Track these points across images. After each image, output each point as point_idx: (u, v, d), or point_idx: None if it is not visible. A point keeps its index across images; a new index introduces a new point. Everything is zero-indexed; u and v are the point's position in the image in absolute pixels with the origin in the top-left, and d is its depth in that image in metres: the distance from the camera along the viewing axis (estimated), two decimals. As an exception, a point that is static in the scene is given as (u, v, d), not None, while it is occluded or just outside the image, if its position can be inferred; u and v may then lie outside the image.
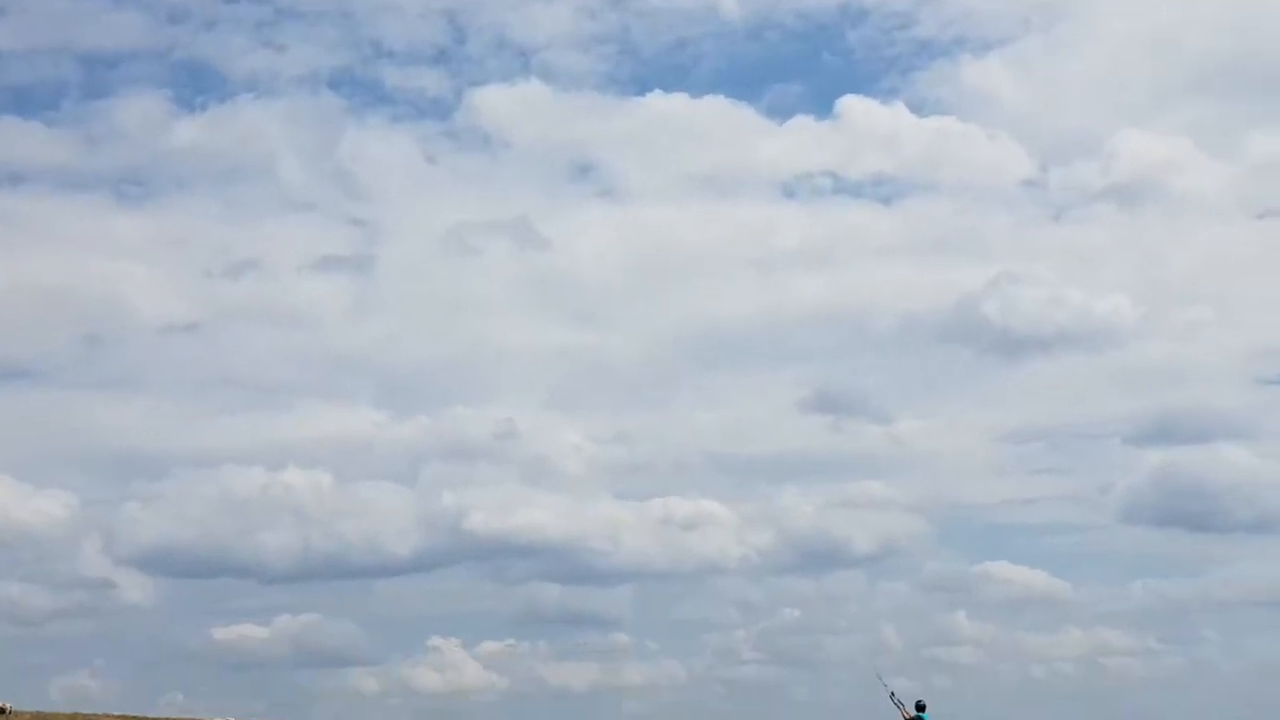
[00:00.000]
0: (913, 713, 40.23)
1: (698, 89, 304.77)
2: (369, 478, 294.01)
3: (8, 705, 58.56)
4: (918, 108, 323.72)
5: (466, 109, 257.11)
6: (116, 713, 54.81)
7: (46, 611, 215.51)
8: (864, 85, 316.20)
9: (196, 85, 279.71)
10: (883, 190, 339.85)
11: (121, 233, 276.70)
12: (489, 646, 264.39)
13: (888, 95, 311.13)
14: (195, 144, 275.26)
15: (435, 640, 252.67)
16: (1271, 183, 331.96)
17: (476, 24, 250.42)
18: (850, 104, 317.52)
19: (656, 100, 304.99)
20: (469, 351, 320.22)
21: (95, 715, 51.51)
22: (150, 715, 56.98)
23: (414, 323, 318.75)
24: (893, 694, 40.64)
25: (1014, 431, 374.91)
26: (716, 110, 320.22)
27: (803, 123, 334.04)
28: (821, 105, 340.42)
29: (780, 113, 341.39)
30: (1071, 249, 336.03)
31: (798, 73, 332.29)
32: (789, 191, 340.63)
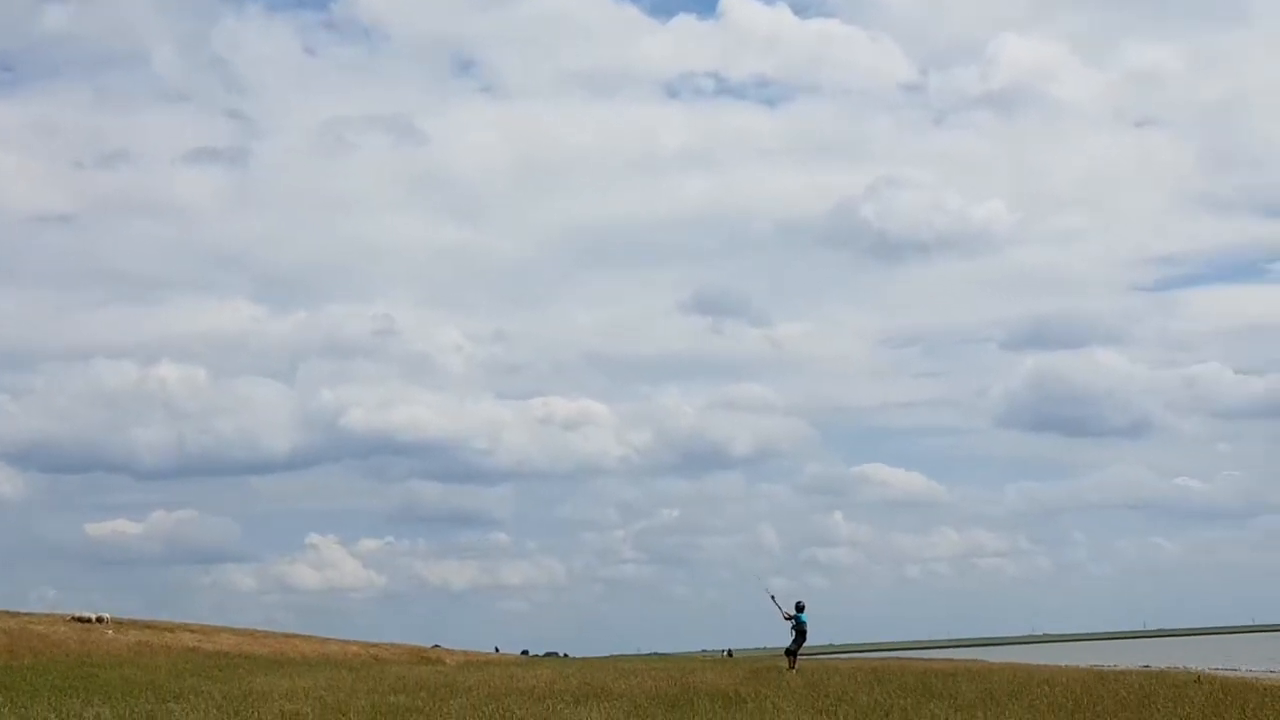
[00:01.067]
0: (791, 612, 41.44)
1: None
2: (246, 374, 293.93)
3: (107, 616, 58.28)
4: (801, 9, 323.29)
5: (346, 0, 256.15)
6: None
7: None
8: None
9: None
10: (766, 92, 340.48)
11: None
12: (367, 544, 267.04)
13: None
14: (66, 30, 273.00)
15: (313, 538, 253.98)
16: (1149, 91, 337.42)
17: None
18: (733, 3, 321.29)
19: None
20: (347, 248, 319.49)
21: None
22: (21, 611, 56.44)
23: (292, 218, 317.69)
24: (772, 596, 41.87)
25: (892, 335, 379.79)
26: (599, 7, 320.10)
27: (685, 21, 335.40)
28: (704, 4, 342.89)
29: (663, 10, 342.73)
30: (950, 154, 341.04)
31: None
32: (672, 92, 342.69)
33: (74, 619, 56.14)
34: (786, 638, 42.03)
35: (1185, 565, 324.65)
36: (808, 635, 42.11)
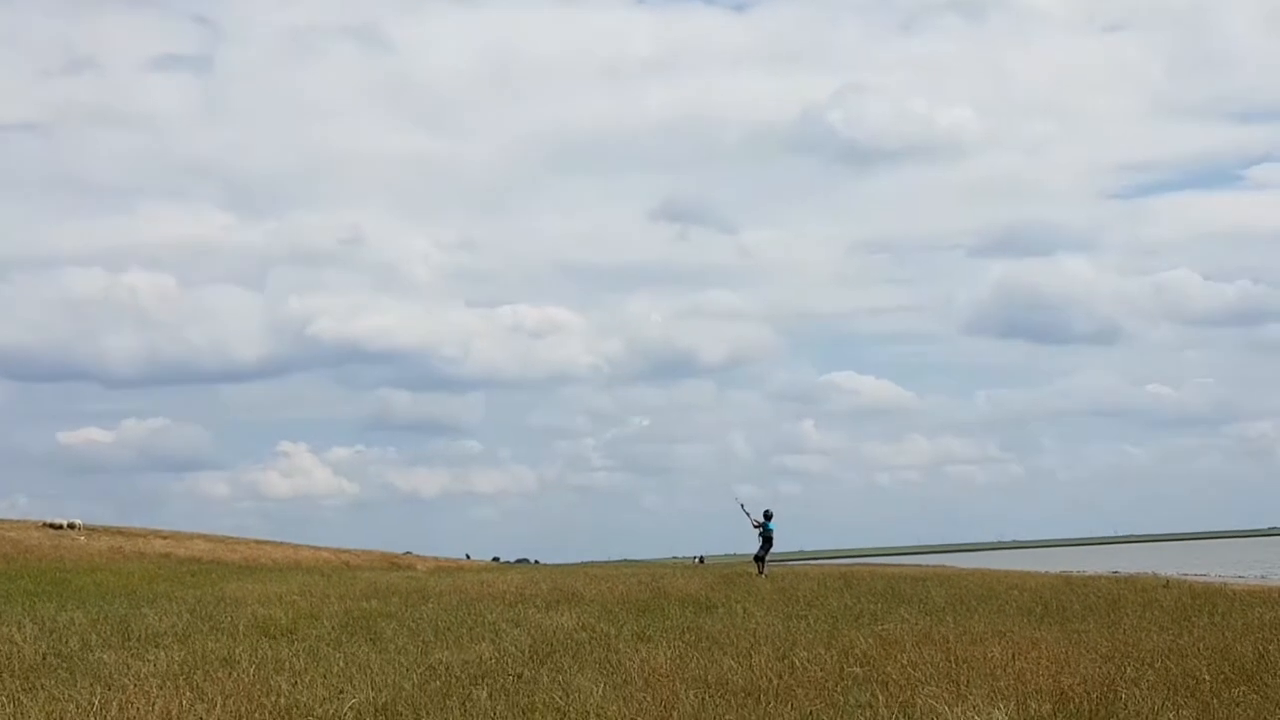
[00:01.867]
0: (760, 520, 41.97)
1: None
2: (215, 282, 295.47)
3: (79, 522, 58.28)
4: None
5: None
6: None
7: None
8: None
9: None
10: None
11: None
12: (338, 452, 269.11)
13: None
14: None
15: (284, 445, 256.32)
16: None
17: None
18: None
19: None
20: (316, 156, 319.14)
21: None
22: (-3, 516, 56.69)
23: (260, 126, 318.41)
24: (742, 505, 42.29)
25: (860, 242, 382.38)
26: None
27: None
28: None
29: None
30: (918, 60, 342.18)
31: None
32: None
33: (46, 525, 56.25)
34: (756, 545, 42.72)
35: (1155, 472, 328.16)
36: (774, 543, 42.74)
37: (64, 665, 16.11)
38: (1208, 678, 13.95)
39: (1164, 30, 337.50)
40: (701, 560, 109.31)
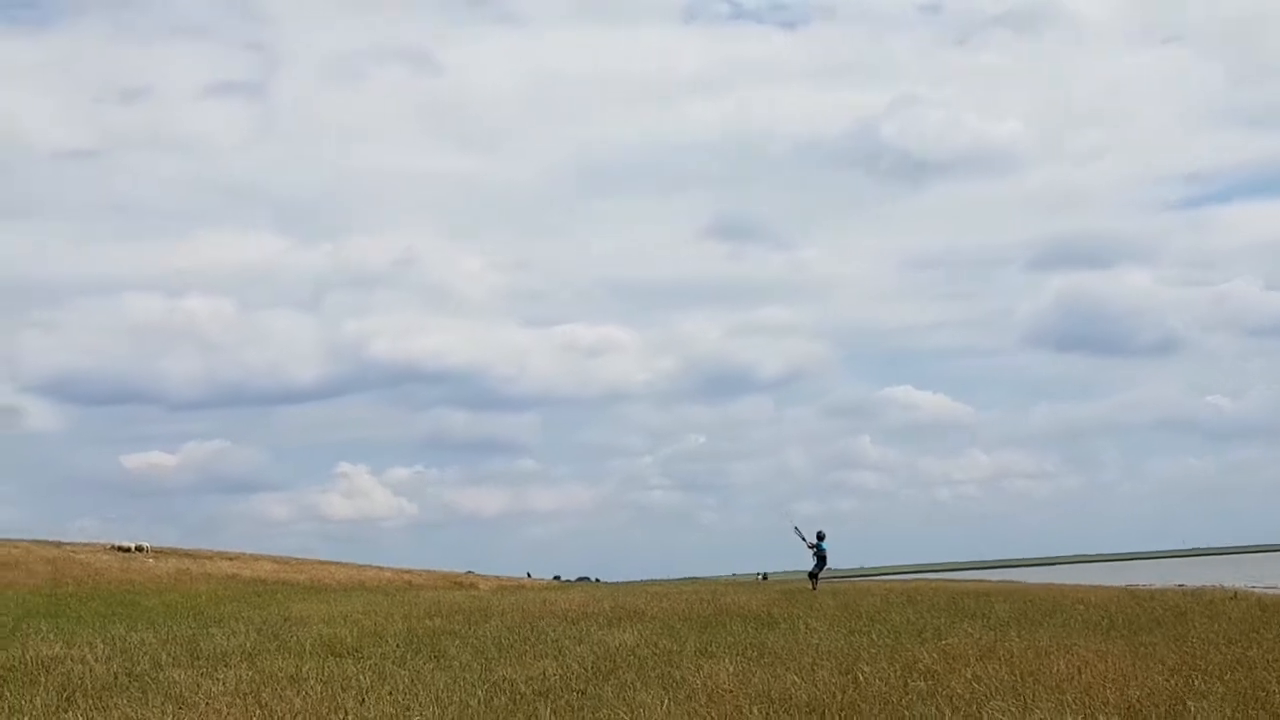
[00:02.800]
0: (813, 541, 43.00)
1: None
2: (271, 305, 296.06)
3: (146, 545, 58.66)
4: None
5: None
6: (29, 538, 54.80)
7: None
8: None
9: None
10: (782, 15, 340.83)
11: (11, 57, 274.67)
12: (397, 473, 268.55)
13: None
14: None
15: (343, 467, 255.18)
16: (1171, 7, 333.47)
17: None
18: None
19: None
20: (367, 179, 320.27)
21: (5, 541, 51.48)
22: (63, 540, 56.98)
23: (312, 150, 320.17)
24: (796, 527, 43.20)
25: (915, 257, 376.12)
26: None
27: None
28: None
29: None
30: (971, 73, 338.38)
31: None
32: (688, 16, 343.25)
33: (114, 548, 56.66)
34: (811, 563, 43.63)
35: (1218, 484, 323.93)
36: (828, 560, 43.87)
37: (136, 685, 16.25)
38: (1278, 691, 13.83)
39: (1220, 40, 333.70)
40: (765, 577, 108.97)
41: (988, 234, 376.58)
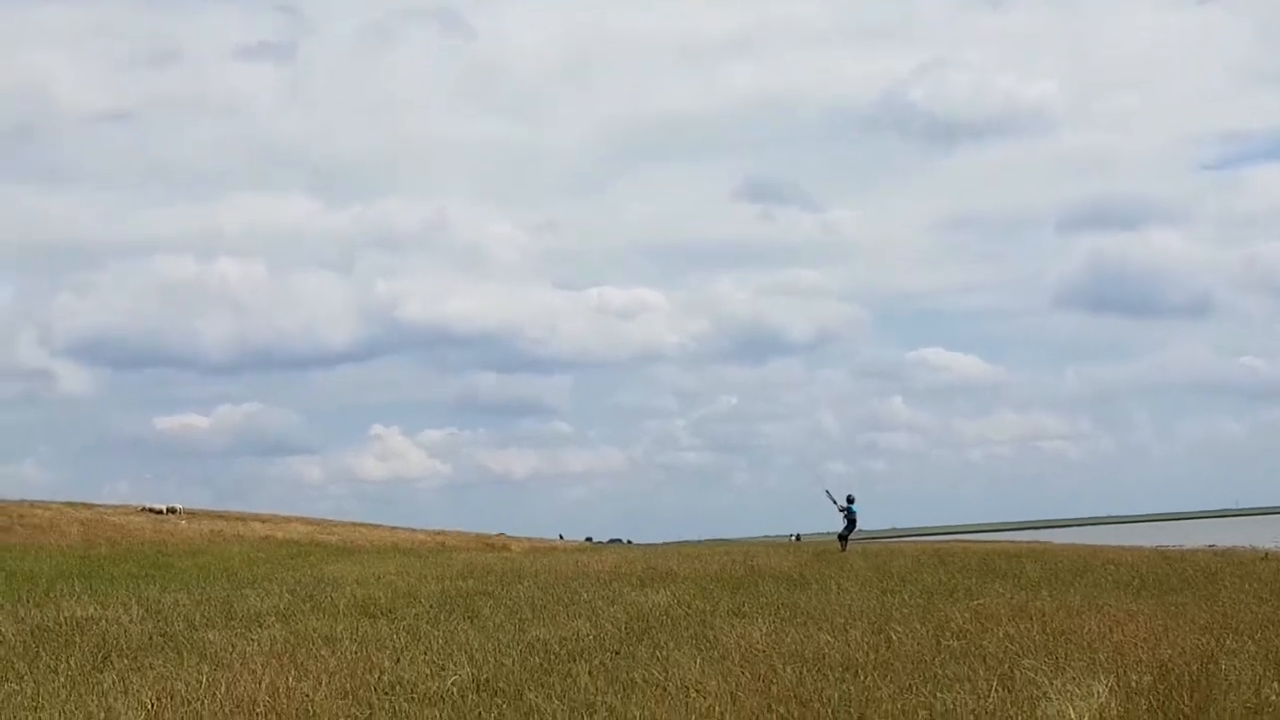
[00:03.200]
0: (844, 505, 44.56)
1: None
2: (303, 267, 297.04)
3: (179, 507, 58.93)
4: None
5: None
6: (61, 500, 54.99)
7: None
8: None
9: None
10: None
11: (43, 22, 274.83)
12: (431, 435, 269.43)
13: None
14: None
15: (376, 429, 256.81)
16: None
17: None
18: None
19: None
20: (399, 142, 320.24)
21: (40, 504, 51.70)
22: (95, 502, 57.21)
23: (344, 113, 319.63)
24: (827, 491, 44.88)
25: (945, 219, 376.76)
26: None
27: None
28: None
29: None
30: (1002, 35, 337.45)
31: None
32: None
33: (147, 510, 56.88)
34: (841, 525, 44.96)
35: (1251, 445, 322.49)
36: (858, 522, 45.12)
37: (170, 645, 16.35)
38: (1310, 649, 13.80)
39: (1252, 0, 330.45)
40: (798, 538, 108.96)
41: (1019, 196, 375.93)
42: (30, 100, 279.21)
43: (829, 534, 47.65)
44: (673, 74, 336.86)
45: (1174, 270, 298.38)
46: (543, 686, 12.65)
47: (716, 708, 11.24)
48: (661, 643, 15.76)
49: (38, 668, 14.29)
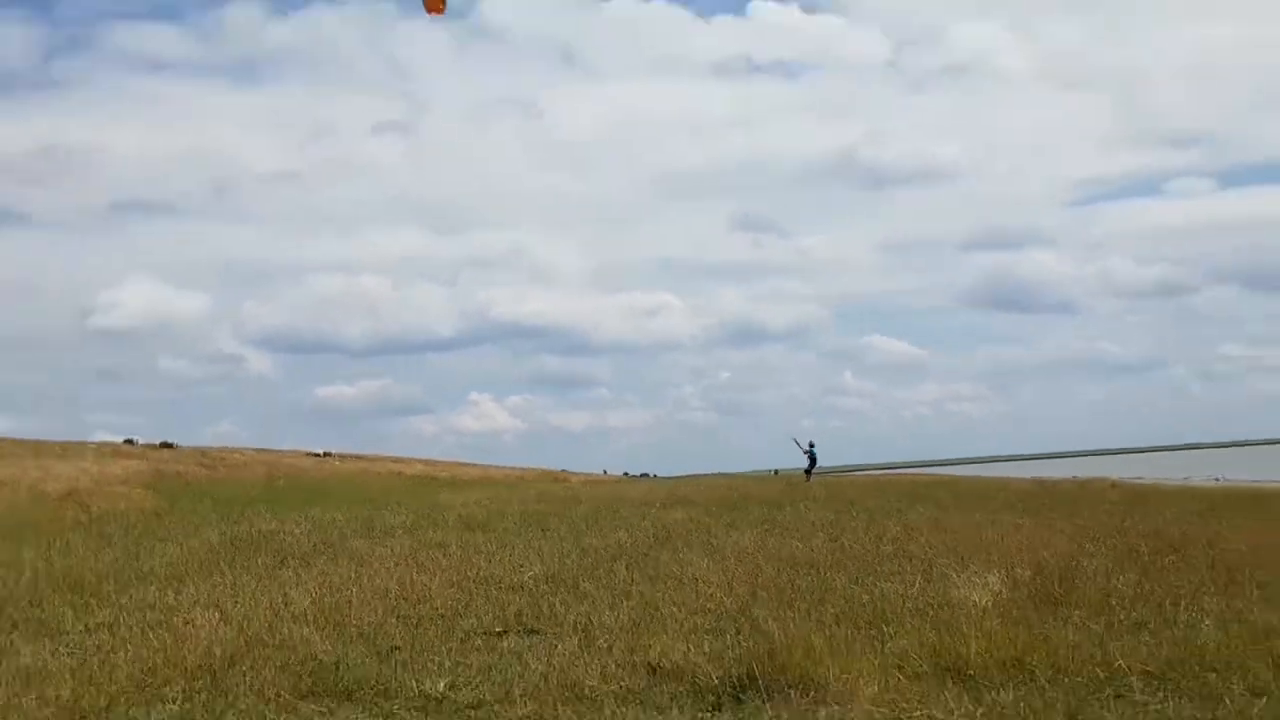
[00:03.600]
0: (806, 448, 44.65)
1: None
2: (421, 281, 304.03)
3: (333, 451, 58.94)
4: (808, 7, 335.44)
5: (480, 13, 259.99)
6: (252, 447, 55.24)
7: (195, 378, 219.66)
8: None
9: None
10: (785, 69, 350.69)
11: (236, 107, 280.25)
12: (512, 400, 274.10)
13: None
14: (288, 41, 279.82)
15: (473, 395, 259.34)
16: (1069, 62, 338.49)
17: None
18: (759, 4, 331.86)
19: (620, 5, 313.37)
20: (490, 192, 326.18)
21: (237, 450, 51.91)
22: (274, 448, 57.44)
23: (448, 171, 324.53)
24: (795, 440, 44.95)
25: (883, 244, 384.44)
26: (661, 11, 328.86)
27: (724, 19, 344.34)
28: (738, 5, 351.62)
29: (707, 12, 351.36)
30: (923, 112, 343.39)
31: None
32: (720, 71, 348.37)
33: (311, 454, 57.13)
34: (805, 463, 44.98)
35: (1105, 405, 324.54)
36: (818, 461, 45.35)
37: (329, 550, 16.45)
38: (1145, 550, 13.77)
39: (1108, 87, 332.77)
40: (776, 473, 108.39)
41: (935, 226, 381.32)
42: (225, 164, 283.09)
43: (798, 470, 47.65)
44: (687, 140, 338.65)
45: (1046, 280, 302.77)
46: (593, 578, 12.71)
47: (718, 594, 11.28)
48: (678, 548, 15.80)
49: (235, 566, 14.42)
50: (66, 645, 9.46)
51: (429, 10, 13.14)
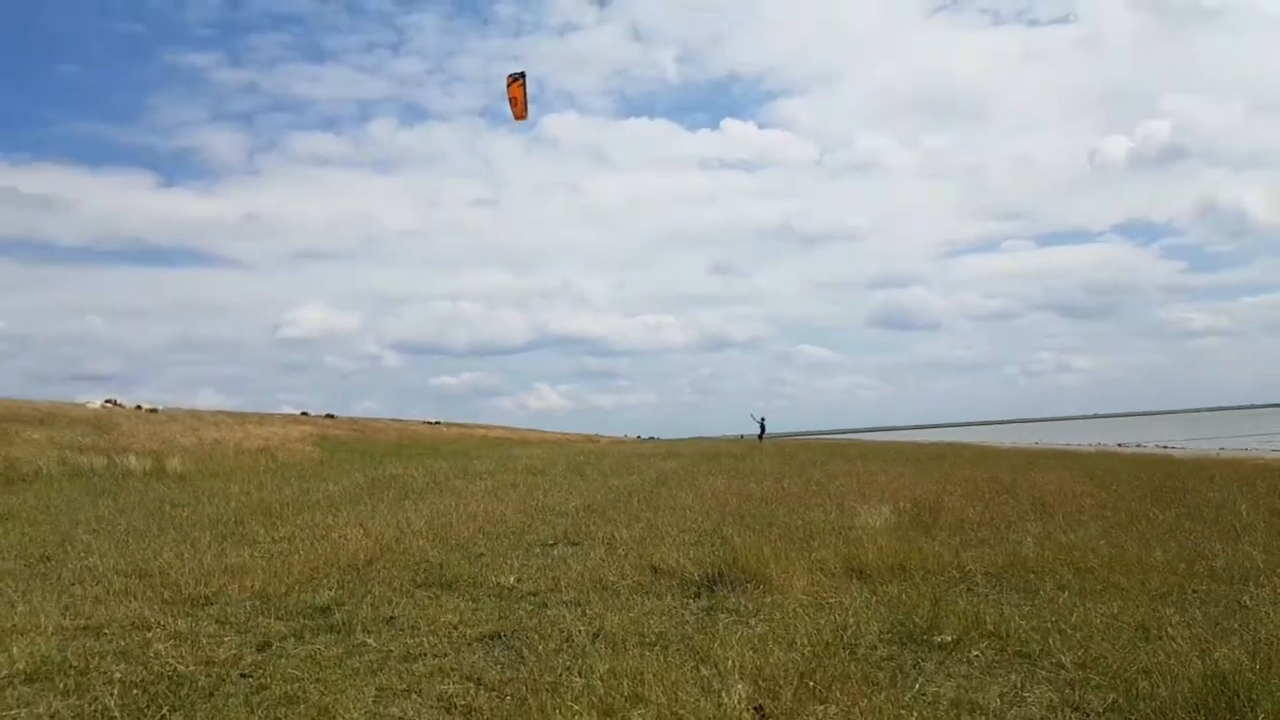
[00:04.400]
0: (759, 421, 44.81)
1: (654, 115, 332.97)
2: (504, 306, 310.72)
3: (442, 421, 58.22)
4: (762, 124, 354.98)
5: (541, 126, 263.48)
6: (387, 417, 55.26)
7: (349, 370, 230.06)
8: (737, 112, 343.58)
9: (413, 114, 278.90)
10: (746, 164, 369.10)
11: (377, 185, 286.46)
12: (562, 387, 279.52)
13: (746, 118, 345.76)
14: (405, 144, 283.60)
15: (537, 385, 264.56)
16: (936, 161, 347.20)
17: (553, 83, 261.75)
18: (729, 123, 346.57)
19: (634, 122, 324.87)
20: (547, 244, 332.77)
21: (377, 420, 51.92)
22: (403, 419, 57.46)
23: (521, 230, 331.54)
24: (751, 414, 45.21)
25: (810, 283, 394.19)
26: (662, 127, 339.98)
27: (704, 132, 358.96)
28: (714, 123, 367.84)
29: (694, 127, 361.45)
30: (836, 194, 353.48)
31: (702, 107, 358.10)
32: (702, 166, 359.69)
33: (426, 423, 57.05)
34: (758, 431, 45.22)
35: (959, 390, 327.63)
36: (767, 429, 45.56)
37: (437, 488, 16.43)
38: (987, 491, 13.70)
39: (962, 176, 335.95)
40: (742, 437, 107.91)
41: (847, 271, 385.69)
42: (370, 223, 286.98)
43: (753, 435, 47.64)
44: (679, 210, 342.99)
45: (922, 308, 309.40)
46: (614, 508, 12.70)
47: (699, 518, 11.25)
48: (673, 487, 15.78)
49: (373, 498, 14.45)
50: (259, 551, 9.49)
51: (516, 118, 13.13)
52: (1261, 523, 9.57)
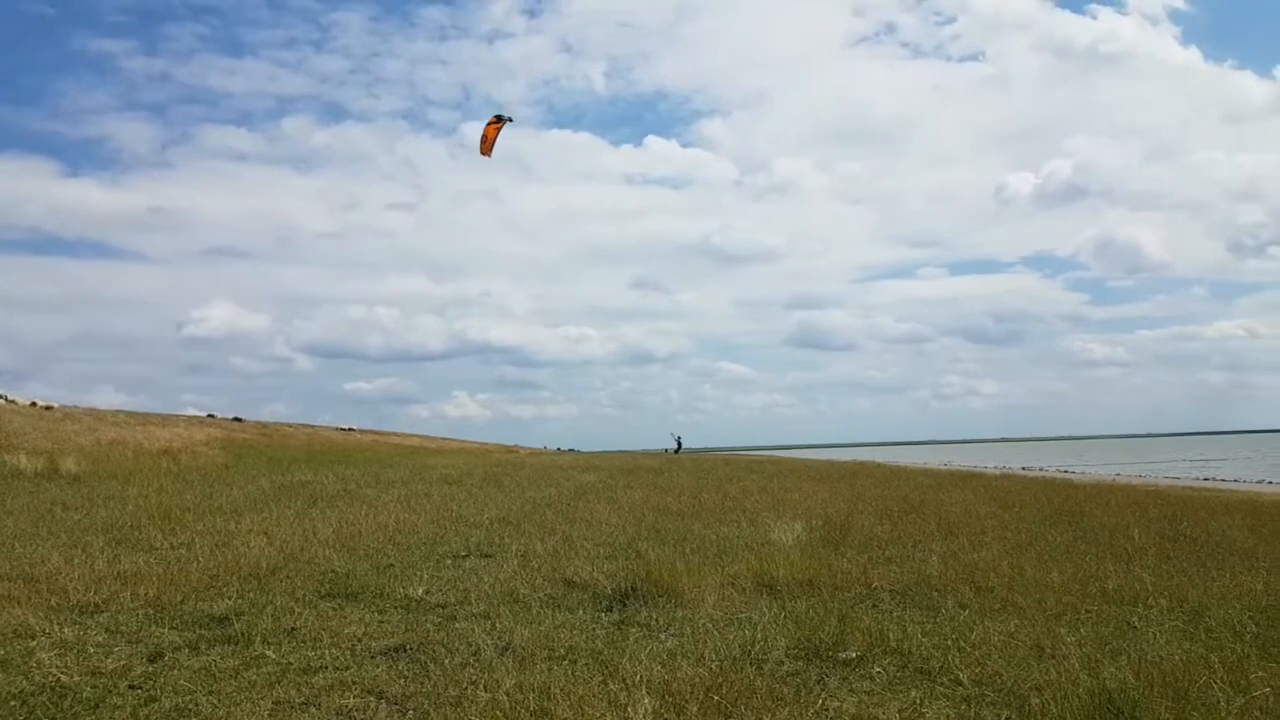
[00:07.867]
0: (676, 436, 48.09)
1: (579, 128, 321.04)
2: (420, 313, 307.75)
3: (355, 427, 55.75)
4: (685, 143, 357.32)
5: (461, 132, 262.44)
6: (297, 422, 53.79)
7: (258, 372, 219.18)
8: (661, 130, 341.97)
9: (334, 113, 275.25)
10: (669, 181, 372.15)
11: (297, 185, 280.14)
12: (481, 396, 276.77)
13: (670, 136, 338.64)
14: (326, 145, 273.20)
15: (456, 392, 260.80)
16: (852, 186, 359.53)
17: (480, 90, 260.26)
18: (652, 140, 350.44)
19: (559, 134, 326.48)
20: (470, 253, 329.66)
21: (286, 424, 50.51)
22: (313, 424, 56.09)
23: (443, 236, 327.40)
24: (671, 433, 47.61)
25: (730, 300, 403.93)
26: (587, 140, 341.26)
27: (628, 149, 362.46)
28: (638, 139, 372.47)
29: (618, 142, 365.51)
30: (756, 214, 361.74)
31: (628, 122, 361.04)
32: (626, 181, 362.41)
33: (339, 429, 55.60)
34: (674, 447, 46.35)
35: (873, 412, 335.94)
36: (683, 445, 48.37)
37: (347, 496, 16.05)
38: (895, 509, 14.03)
39: (877, 202, 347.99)
40: (667, 451, 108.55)
41: (765, 291, 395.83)
42: (285, 225, 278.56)
43: (675, 450, 48.02)
44: (603, 224, 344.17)
45: (837, 329, 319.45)
46: (530, 520, 12.60)
47: (615, 532, 11.24)
48: (590, 500, 15.73)
49: (279, 505, 14.01)
50: (156, 557, 9.08)
51: (482, 154, 13.28)
52: (1152, 546, 10.03)
